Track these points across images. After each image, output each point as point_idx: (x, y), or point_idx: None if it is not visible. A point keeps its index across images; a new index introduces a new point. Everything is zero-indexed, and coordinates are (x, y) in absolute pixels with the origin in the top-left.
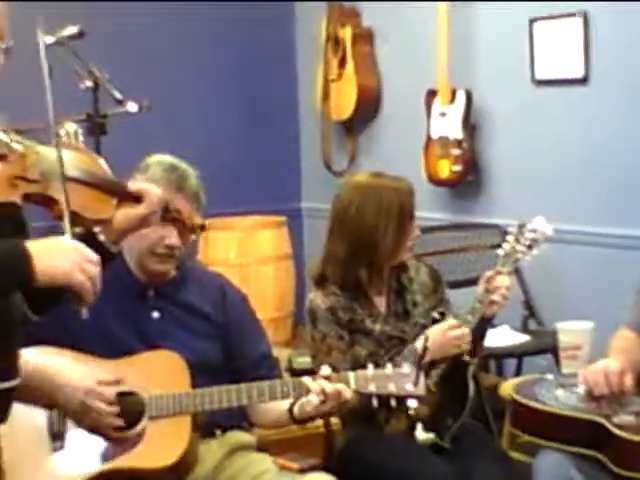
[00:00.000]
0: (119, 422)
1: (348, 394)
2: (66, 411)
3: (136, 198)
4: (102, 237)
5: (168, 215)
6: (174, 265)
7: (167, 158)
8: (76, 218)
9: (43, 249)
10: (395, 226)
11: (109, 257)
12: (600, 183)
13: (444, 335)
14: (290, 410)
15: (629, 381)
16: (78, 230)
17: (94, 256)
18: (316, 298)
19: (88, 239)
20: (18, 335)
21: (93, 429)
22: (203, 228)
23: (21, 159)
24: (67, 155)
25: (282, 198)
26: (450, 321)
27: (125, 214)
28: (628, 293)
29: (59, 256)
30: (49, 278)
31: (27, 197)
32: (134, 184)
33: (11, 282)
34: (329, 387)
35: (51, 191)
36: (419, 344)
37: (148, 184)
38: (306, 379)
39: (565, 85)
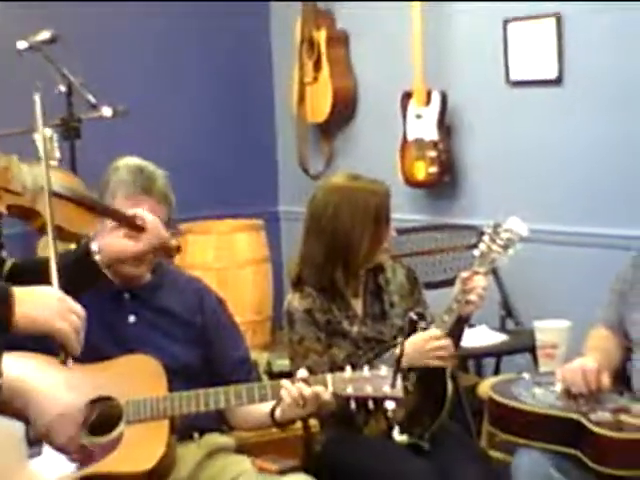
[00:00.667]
0: (76, 455)
1: (327, 396)
2: (34, 428)
3: (138, 226)
4: (97, 257)
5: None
6: (148, 268)
7: (134, 160)
8: (59, 231)
9: (26, 295)
10: (371, 228)
11: (100, 277)
12: (575, 183)
13: (425, 344)
14: (272, 413)
15: (606, 379)
16: (74, 247)
17: (79, 308)
18: (293, 300)
19: (82, 257)
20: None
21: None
22: (179, 250)
23: (4, 171)
24: (50, 173)
25: (259, 201)
26: (433, 331)
27: (125, 246)
28: (604, 292)
29: (41, 303)
30: (29, 323)
31: (8, 209)
32: (139, 214)
33: None
34: (307, 390)
35: (33, 204)
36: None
37: (152, 218)
38: (284, 382)
39: (539, 86)
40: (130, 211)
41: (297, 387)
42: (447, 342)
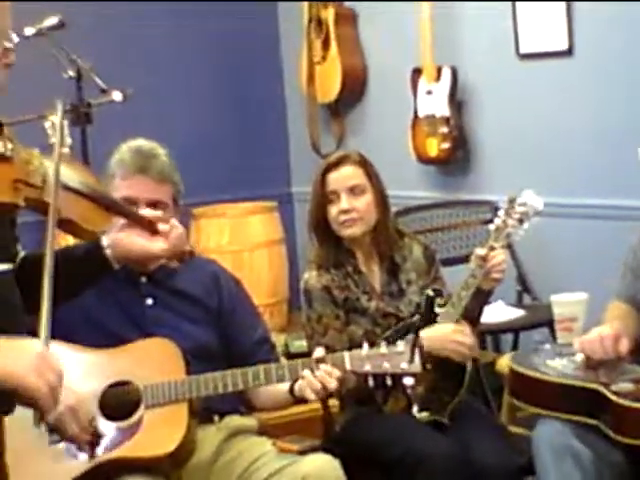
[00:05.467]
0: (87, 447)
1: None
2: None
3: (154, 230)
4: (108, 252)
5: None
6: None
7: (138, 141)
8: (73, 227)
9: (3, 348)
10: (316, 198)
11: (108, 272)
12: (588, 155)
13: (450, 335)
14: (291, 390)
15: (624, 345)
16: (86, 242)
17: (59, 368)
18: (311, 278)
19: (93, 251)
20: (21, 324)
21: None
22: (192, 254)
23: (25, 164)
24: (69, 169)
25: (272, 183)
26: (456, 326)
27: (144, 248)
28: (620, 263)
29: (16, 357)
30: (2, 376)
31: (26, 201)
32: (163, 223)
33: None
34: (333, 383)
35: (50, 198)
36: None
37: (177, 228)
38: (306, 373)
39: (550, 58)
40: (145, 212)
41: (319, 378)
42: (471, 340)
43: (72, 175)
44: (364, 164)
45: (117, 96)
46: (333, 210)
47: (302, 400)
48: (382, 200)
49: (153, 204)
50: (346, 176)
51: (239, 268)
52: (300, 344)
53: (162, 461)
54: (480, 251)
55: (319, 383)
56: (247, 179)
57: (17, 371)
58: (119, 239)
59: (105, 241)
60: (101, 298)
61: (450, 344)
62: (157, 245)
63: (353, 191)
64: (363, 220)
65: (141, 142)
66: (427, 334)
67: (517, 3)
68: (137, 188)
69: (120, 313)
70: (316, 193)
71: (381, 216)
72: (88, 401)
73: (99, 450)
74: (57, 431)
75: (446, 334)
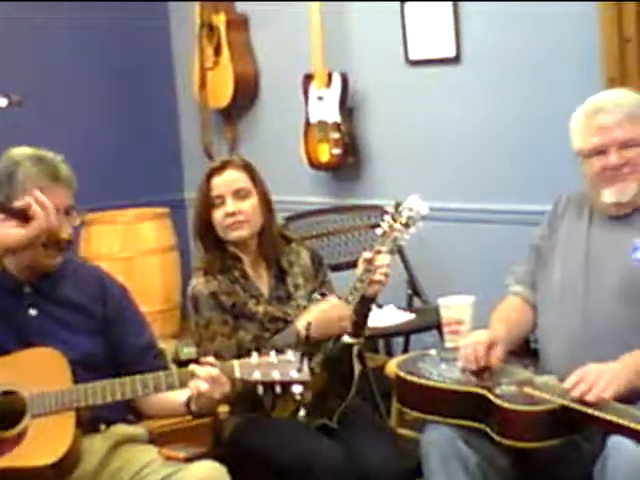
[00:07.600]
0: None
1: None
2: None
3: (24, 216)
4: None
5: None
6: (52, 254)
7: (28, 150)
8: None
9: None
10: (199, 205)
11: None
12: (475, 160)
13: (326, 315)
14: (187, 403)
15: (496, 354)
16: None
17: None
18: (198, 284)
19: None
20: None
21: None
22: (70, 242)
23: None
24: None
25: (164, 189)
26: (332, 300)
27: (11, 233)
28: (507, 267)
29: None
30: None
31: None
32: (22, 202)
33: None
34: (215, 372)
35: None
36: (300, 324)
37: (38, 202)
38: (193, 366)
39: (438, 65)
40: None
41: (206, 370)
42: (348, 310)
43: None
44: (248, 168)
45: (2, 102)
46: (218, 214)
47: (198, 414)
48: (266, 204)
49: (66, 211)
50: (231, 180)
51: (130, 275)
52: (189, 351)
53: (45, 472)
54: (367, 255)
55: (205, 372)
56: (139, 185)
57: None
58: None
59: None
60: None
61: (335, 322)
62: (27, 229)
63: (238, 194)
64: (249, 223)
65: (32, 151)
66: (311, 318)
67: (405, 10)
68: (53, 197)
69: (3, 325)
70: (201, 198)
71: (266, 220)
72: None
73: None
74: None
75: (323, 316)
